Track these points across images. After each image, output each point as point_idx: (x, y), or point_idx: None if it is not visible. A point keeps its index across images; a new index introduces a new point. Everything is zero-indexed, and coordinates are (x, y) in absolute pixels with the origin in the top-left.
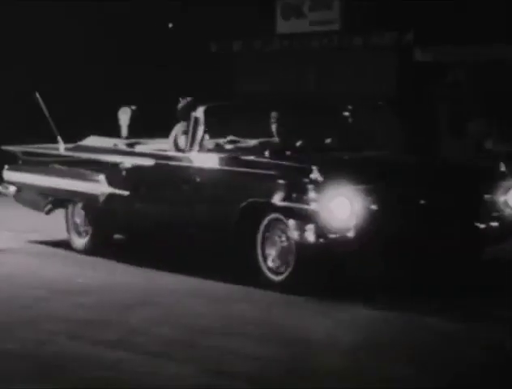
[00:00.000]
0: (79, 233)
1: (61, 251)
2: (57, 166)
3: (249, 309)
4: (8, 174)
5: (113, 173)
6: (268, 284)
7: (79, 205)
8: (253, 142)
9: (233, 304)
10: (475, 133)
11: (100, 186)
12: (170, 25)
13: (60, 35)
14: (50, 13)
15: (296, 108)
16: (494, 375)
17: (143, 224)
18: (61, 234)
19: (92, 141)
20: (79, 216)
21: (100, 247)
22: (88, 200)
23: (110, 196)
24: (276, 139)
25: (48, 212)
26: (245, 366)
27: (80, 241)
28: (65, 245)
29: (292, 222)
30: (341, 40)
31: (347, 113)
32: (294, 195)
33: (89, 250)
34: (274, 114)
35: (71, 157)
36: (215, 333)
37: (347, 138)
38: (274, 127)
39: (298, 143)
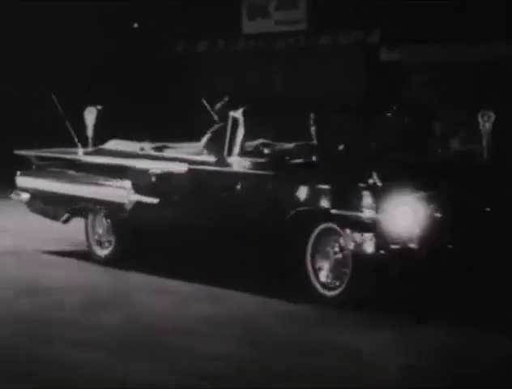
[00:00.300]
0: (101, 244)
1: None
2: (75, 171)
3: (218, 309)
4: (21, 180)
5: (140, 179)
6: (320, 300)
7: (101, 214)
8: (289, 145)
9: (201, 304)
10: (441, 133)
11: (126, 194)
12: (135, 25)
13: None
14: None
15: (337, 109)
16: None
17: (173, 235)
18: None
19: (115, 145)
20: (101, 226)
21: (123, 258)
22: (113, 209)
23: (137, 204)
24: (315, 142)
25: (65, 221)
26: (214, 367)
27: (102, 252)
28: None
29: (348, 232)
30: (307, 39)
31: (389, 114)
32: (350, 203)
33: (112, 262)
34: (313, 116)
35: (92, 162)
36: (183, 333)
37: (392, 140)
38: (313, 129)
39: (341, 146)
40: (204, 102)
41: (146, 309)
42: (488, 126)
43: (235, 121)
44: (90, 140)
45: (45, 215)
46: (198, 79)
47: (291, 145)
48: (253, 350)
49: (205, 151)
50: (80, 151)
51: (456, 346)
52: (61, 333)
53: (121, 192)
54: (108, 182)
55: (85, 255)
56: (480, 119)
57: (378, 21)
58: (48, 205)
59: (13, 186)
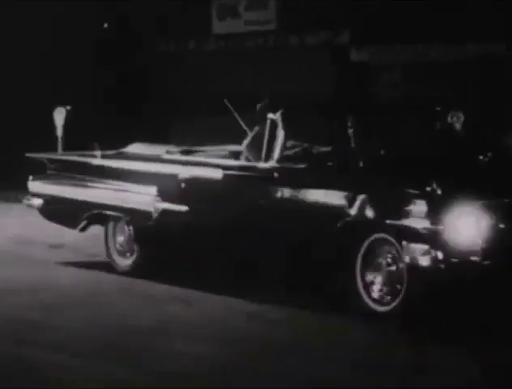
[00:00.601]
0: (122, 254)
1: None
2: (94, 176)
3: (184, 310)
4: (34, 185)
5: (168, 185)
6: (370, 316)
7: (123, 221)
8: (324, 149)
9: (169, 305)
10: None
11: (152, 201)
12: (105, 25)
13: None
14: None
15: (378, 111)
16: None
17: (203, 245)
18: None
19: (137, 148)
20: (123, 234)
21: (147, 268)
22: (137, 216)
23: (164, 212)
24: (352, 146)
25: (82, 229)
26: (180, 366)
27: (124, 262)
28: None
29: (404, 243)
30: (277, 39)
31: (435, 116)
32: (405, 212)
33: (135, 272)
34: (351, 118)
35: (113, 166)
36: (152, 334)
37: (439, 143)
38: (351, 132)
39: (383, 151)
40: (227, 102)
41: (118, 310)
42: (457, 126)
43: (273, 124)
44: (59, 140)
45: (60, 222)
46: (170, 80)
47: (327, 148)
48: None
49: (245, 156)
50: (99, 154)
51: None
52: (27, 334)
53: (146, 199)
54: (131, 188)
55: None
56: (449, 120)
57: (348, 21)
58: (63, 212)
59: (25, 191)
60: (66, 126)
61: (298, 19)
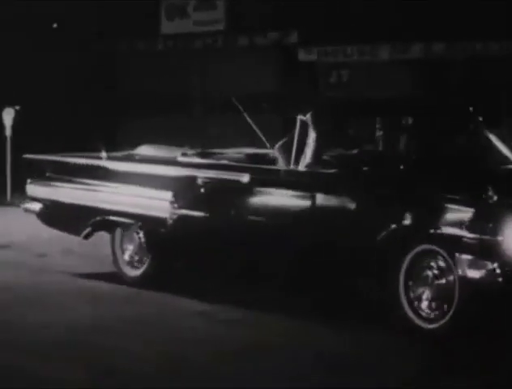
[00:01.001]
0: (131, 263)
1: None
2: (100, 180)
3: (134, 309)
4: (32, 188)
5: (186, 190)
6: (416, 333)
7: (133, 229)
8: (359, 152)
9: (123, 305)
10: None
11: (168, 207)
12: (54, 25)
13: None
14: None
15: (410, 111)
16: None
17: (225, 255)
18: None
19: (148, 150)
20: (132, 242)
21: (159, 279)
22: (151, 223)
23: (181, 219)
24: (382, 149)
25: (86, 237)
26: (130, 365)
27: (133, 273)
28: None
29: (456, 255)
30: (225, 40)
31: (469, 117)
32: (457, 221)
33: (146, 283)
34: (380, 119)
35: (123, 170)
36: (103, 333)
37: (475, 146)
38: (380, 134)
39: (423, 153)
40: (235, 101)
41: (68, 309)
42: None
43: (303, 126)
44: (8, 139)
45: (61, 228)
46: (118, 80)
47: (354, 152)
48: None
49: (278, 160)
50: (104, 156)
51: None
52: None
53: (161, 204)
54: (143, 193)
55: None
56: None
57: (296, 22)
58: (65, 217)
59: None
60: (14, 126)
61: (247, 20)
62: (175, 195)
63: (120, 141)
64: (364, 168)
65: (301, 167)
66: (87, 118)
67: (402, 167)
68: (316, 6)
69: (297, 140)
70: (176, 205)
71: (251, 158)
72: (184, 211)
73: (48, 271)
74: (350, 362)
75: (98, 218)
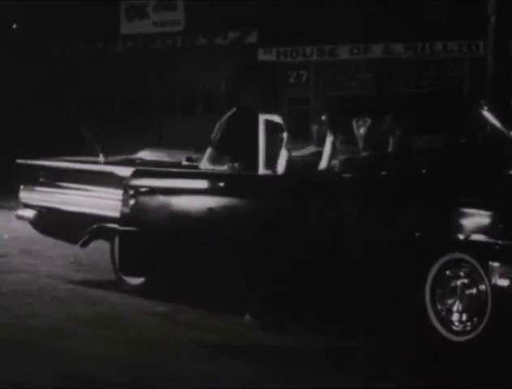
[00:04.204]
0: (131, 271)
1: None
2: (98, 186)
3: (90, 311)
4: (25, 195)
5: (194, 197)
6: (444, 346)
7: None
8: (377, 154)
9: (76, 305)
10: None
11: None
12: (14, 26)
13: None
14: None
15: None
16: None
17: (233, 262)
18: None
19: (148, 155)
20: None
21: (160, 287)
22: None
23: (191, 227)
24: (399, 151)
25: (83, 245)
26: (88, 368)
27: (134, 281)
28: None
29: (490, 263)
30: (185, 40)
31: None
32: (487, 227)
33: (146, 291)
34: (389, 118)
35: (122, 175)
36: (59, 335)
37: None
38: (397, 135)
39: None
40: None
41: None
42: (363, 131)
43: (270, 127)
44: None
45: (56, 236)
46: (78, 81)
47: (364, 154)
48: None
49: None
50: (102, 161)
51: None
52: None
53: None
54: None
55: None
56: (354, 124)
57: (256, 22)
58: (60, 225)
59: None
60: None
61: (206, 20)
62: (180, 202)
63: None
64: (384, 173)
65: (280, 170)
66: (50, 122)
67: (424, 171)
68: (275, 6)
69: (266, 141)
70: (182, 212)
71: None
72: (190, 220)
73: (7, 271)
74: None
75: (96, 225)
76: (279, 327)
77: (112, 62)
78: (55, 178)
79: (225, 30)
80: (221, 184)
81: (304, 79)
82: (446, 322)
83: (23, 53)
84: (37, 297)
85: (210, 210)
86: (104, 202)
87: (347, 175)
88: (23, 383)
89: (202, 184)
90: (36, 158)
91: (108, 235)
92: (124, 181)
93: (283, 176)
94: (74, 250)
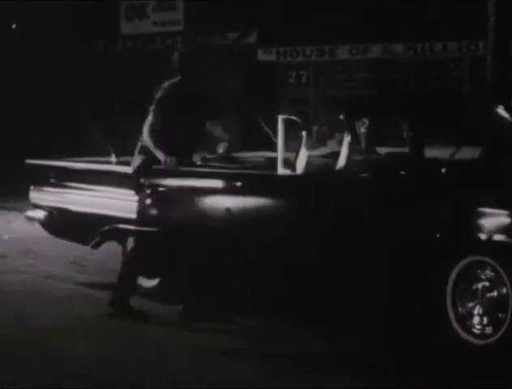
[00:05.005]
0: (146, 273)
1: None
2: (111, 186)
3: (90, 311)
4: (35, 196)
5: (210, 196)
6: (465, 349)
7: None
8: (394, 153)
9: (76, 305)
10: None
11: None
12: (13, 26)
13: None
14: None
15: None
16: None
17: (249, 266)
18: None
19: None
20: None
21: (174, 289)
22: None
23: (202, 228)
24: (417, 150)
25: (94, 246)
26: (88, 368)
27: (148, 283)
28: None
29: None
30: (184, 40)
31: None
32: (509, 228)
33: (161, 293)
34: (414, 118)
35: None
36: (59, 335)
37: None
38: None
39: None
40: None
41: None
42: (362, 131)
43: (290, 126)
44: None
45: (67, 237)
46: (79, 81)
47: (386, 154)
48: None
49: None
50: (114, 161)
51: None
52: None
53: None
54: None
55: None
56: (355, 123)
57: (255, 23)
58: (71, 226)
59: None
60: None
61: (206, 20)
62: (199, 202)
63: (86, 144)
64: (402, 173)
65: (299, 170)
66: (51, 122)
67: (444, 170)
68: (275, 6)
69: (284, 142)
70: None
71: (272, 162)
72: (208, 220)
73: (8, 271)
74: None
75: (108, 227)
76: (198, 315)
77: (112, 62)
78: (66, 178)
79: (225, 30)
80: (239, 183)
81: (303, 79)
82: (467, 325)
83: (23, 53)
84: (37, 297)
85: (227, 210)
86: (116, 203)
87: (366, 175)
88: (23, 383)
89: (219, 184)
90: (46, 158)
91: (119, 236)
92: (142, 181)
93: (305, 176)
94: (74, 250)
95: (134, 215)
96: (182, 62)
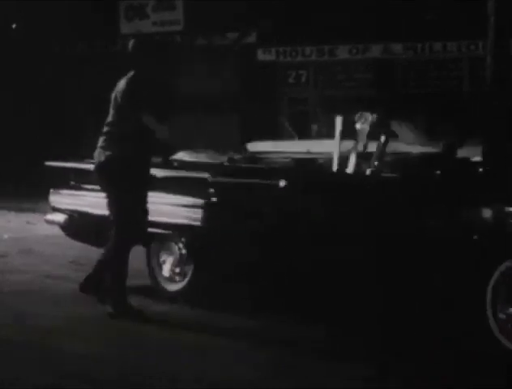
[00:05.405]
0: (170, 277)
1: None
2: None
3: (90, 311)
4: (55, 199)
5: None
6: (506, 357)
7: (173, 240)
8: (416, 153)
9: (76, 305)
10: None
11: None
12: (13, 26)
13: None
14: None
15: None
16: None
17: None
18: None
19: (186, 156)
20: (172, 255)
21: (201, 294)
22: (195, 234)
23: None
24: (451, 150)
25: None
26: (88, 368)
27: (172, 287)
28: None
29: None
30: (184, 40)
31: None
32: None
33: (186, 298)
34: (450, 116)
35: (166, 177)
36: (59, 335)
37: None
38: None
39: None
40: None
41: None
42: (366, 128)
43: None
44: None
45: (88, 241)
46: (79, 81)
47: (419, 152)
48: None
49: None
50: None
51: None
52: None
53: (199, 213)
54: (182, 201)
55: None
56: (356, 120)
57: (255, 22)
58: (93, 230)
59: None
60: None
61: (206, 20)
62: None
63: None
64: (437, 172)
65: (350, 170)
66: (51, 122)
67: (481, 169)
68: (275, 6)
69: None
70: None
71: (298, 162)
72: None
73: (8, 271)
74: None
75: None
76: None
77: (112, 62)
78: (87, 181)
79: (224, 30)
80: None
81: (303, 79)
82: (509, 333)
83: (23, 52)
84: (37, 297)
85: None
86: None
87: (400, 175)
88: (23, 383)
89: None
90: (65, 160)
91: (144, 240)
92: (208, 179)
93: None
94: (74, 250)
95: (165, 219)
96: (136, 58)
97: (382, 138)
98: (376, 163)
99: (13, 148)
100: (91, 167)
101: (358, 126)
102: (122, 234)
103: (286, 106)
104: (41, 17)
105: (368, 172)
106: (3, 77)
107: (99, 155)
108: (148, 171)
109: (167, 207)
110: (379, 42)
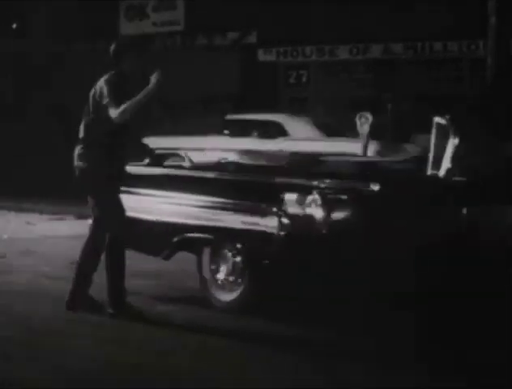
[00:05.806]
0: (223, 287)
1: None
2: (181, 192)
3: (90, 311)
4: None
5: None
6: None
7: (226, 248)
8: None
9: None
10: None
11: (277, 221)
12: (14, 25)
13: None
14: None
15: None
16: None
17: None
18: None
19: (234, 158)
20: (225, 263)
21: (256, 305)
22: (253, 241)
23: (294, 235)
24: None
25: (166, 258)
26: (88, 368)
27: (225, 297)
28: None
29: None
30: (184, 40)
31: None
32: None
33: (240, 309)
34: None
35: (216, 180)
36: (59, 335)
37: None
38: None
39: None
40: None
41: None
42: (366, 127)
43: (441, 131)
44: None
45: (136, 248)
46: (77, 81)
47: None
48: None
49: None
50: (187, 164)
51: None
52: None
53: (267, 219)
54: (241, 206)
55: None
56: (357, 120)
57: (255, 23)
58: (138, 236)
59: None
60: None
61: (206, 20)
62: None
63: None
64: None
65: (441, 173)
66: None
67: None
68: (275, 6)
69: (434, 146)
70: (287, 219)
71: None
72: (302, 226)
73: (7, 271)
74: None
75: (182, 236)
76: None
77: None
78: (131, 184)
79: (225, 30)
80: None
81: (304, 79)
82: None
83: (23, 52)
84: (37, 297)
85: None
86: (190, 210)
87: (470, 179)
88: (23, 383)
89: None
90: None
91: (194, 247)
92: (318, 185)
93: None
94: (74, 250)
95: (217, 224)
96: (116, 57)
97: (456, 141)
98: (450, 167)
99: (13, 148)
100: (141, 170)
101: (358, 126)
102: (102, 228)
103: (287, 106)
104: (41, 17)
105: (441, 174)
106: (3, 76)
107: (77, 165)
108: (123, 173)
109: (225, 214)
110: (379, 42)
